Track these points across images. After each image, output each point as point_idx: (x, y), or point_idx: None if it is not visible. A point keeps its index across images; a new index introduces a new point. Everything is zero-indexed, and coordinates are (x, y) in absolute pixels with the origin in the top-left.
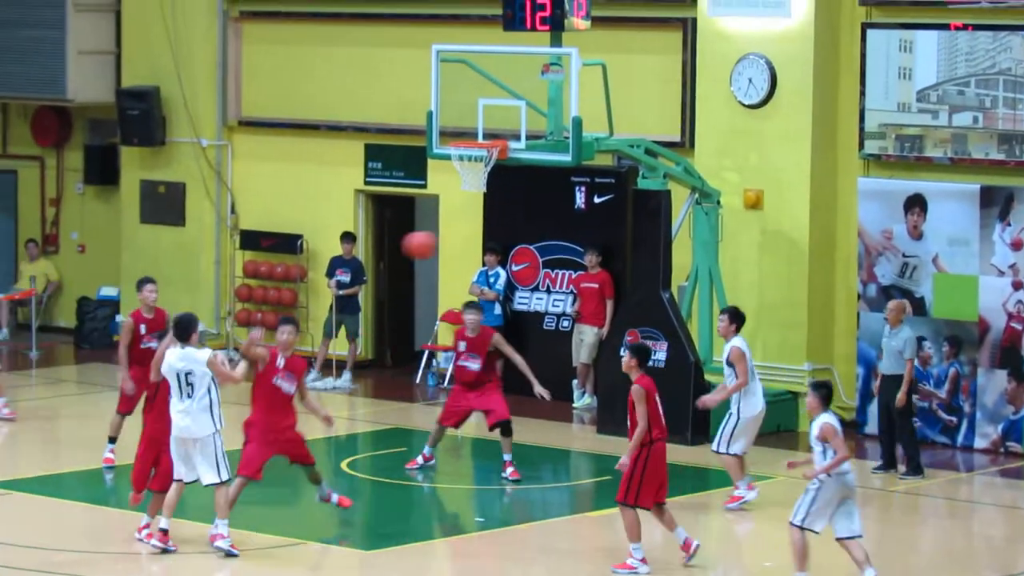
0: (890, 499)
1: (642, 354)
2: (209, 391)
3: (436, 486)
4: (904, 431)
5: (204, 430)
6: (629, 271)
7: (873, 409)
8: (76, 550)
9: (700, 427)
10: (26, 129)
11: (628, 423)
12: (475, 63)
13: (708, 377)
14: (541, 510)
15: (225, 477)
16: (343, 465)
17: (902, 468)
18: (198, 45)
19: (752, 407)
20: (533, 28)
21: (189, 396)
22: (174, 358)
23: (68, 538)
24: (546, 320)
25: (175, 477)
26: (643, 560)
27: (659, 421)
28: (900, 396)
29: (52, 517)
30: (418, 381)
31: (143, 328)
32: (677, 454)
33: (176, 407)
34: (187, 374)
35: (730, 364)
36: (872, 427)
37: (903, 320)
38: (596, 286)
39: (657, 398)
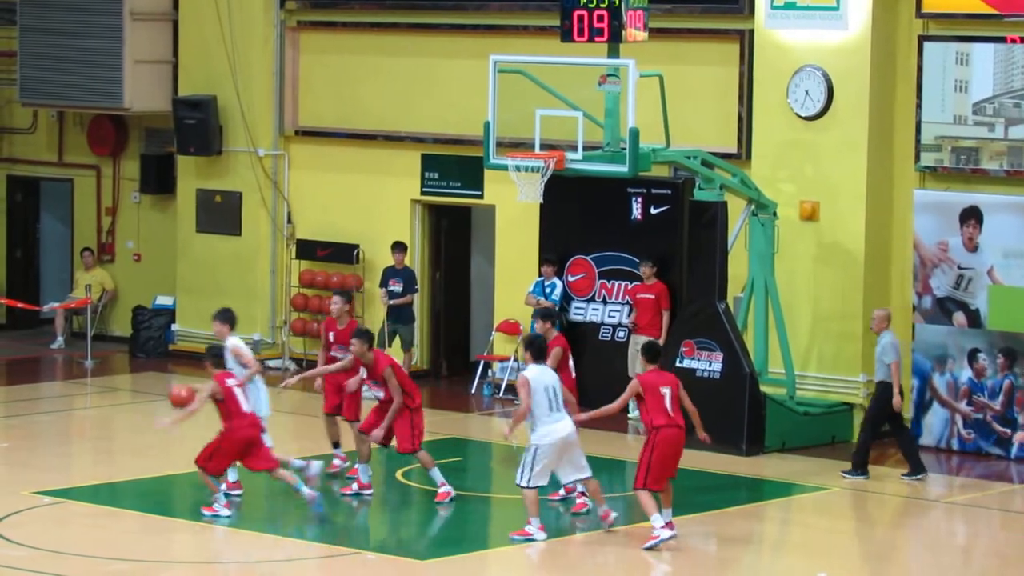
0: (951, 511)
1: (650, 352)
2: None
3: (491, 496)
4: (901, 433)
5: None
6: (685, 282)
7: (928, 420)
8: (129, 559)
9: (755, 438)
10: (82, 138)
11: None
12: (532, 74)
13: (764, 388)
14: (596, 520)
15: None
16: (398, 475)
17: (904, 469)
18: (255, 54)
19: (542, 436)
20: (591, 39)
21: None
22: None
23: (122, 547)
24: (602, 331)
25: None
26: (665, 526)
27: (663, 411)
28: (895, 399)
29: (106, 526)
30: (473, 391)
31: (331, 337)
32: (731, 465)
33: None
34: None
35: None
36: (928, 438)
37: (886, 327)
38: (652, 297)
39: (664, 390)
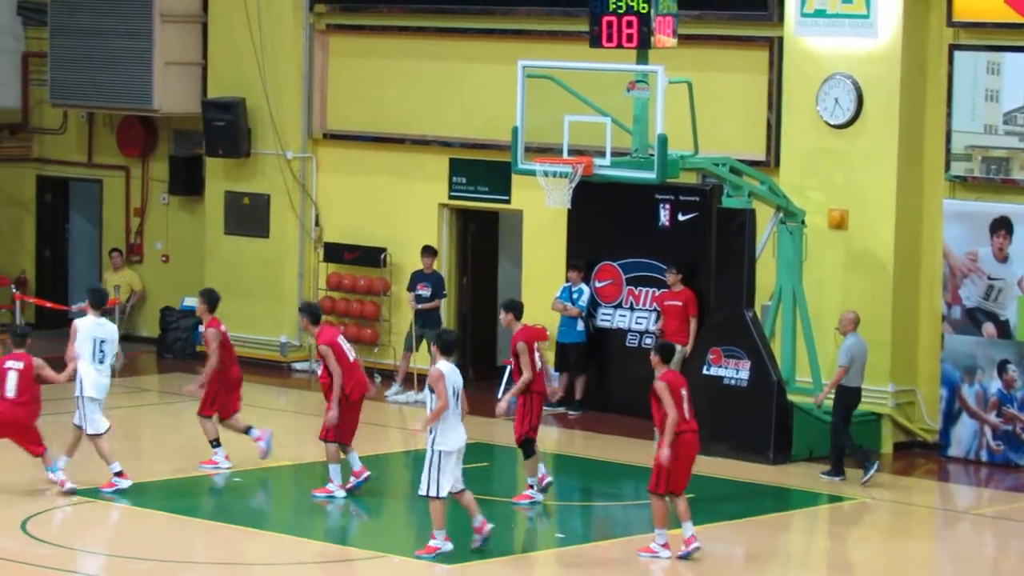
0: (980, 523)
1: (664, 352)
2: None
3: (516, 502)
4: (835, 432)
5: None
6: (712, 289)
7: (957, 431)
8: (154, 559)
9: (782, 447)
10: (112, 139)
11: (653, 417)
12: (561, 79)
13: (791, 397)
14: (622, 527)
15: None
16: None
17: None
18: (284, 57)
19: (445, 441)
20: (619, 45)
21: None
22: None
23: (147, 547)
24: (629, 337)
25: None
26: (665, 545)
27: (683, 414)
28: (819, 395)
29: (132, 526)
30: (499, 396)
31: None
32: (758, 473)
33: None
34: None
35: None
36: (957, 450)
37: (852, 331)
38: (680, 304)
39: (684, 392)
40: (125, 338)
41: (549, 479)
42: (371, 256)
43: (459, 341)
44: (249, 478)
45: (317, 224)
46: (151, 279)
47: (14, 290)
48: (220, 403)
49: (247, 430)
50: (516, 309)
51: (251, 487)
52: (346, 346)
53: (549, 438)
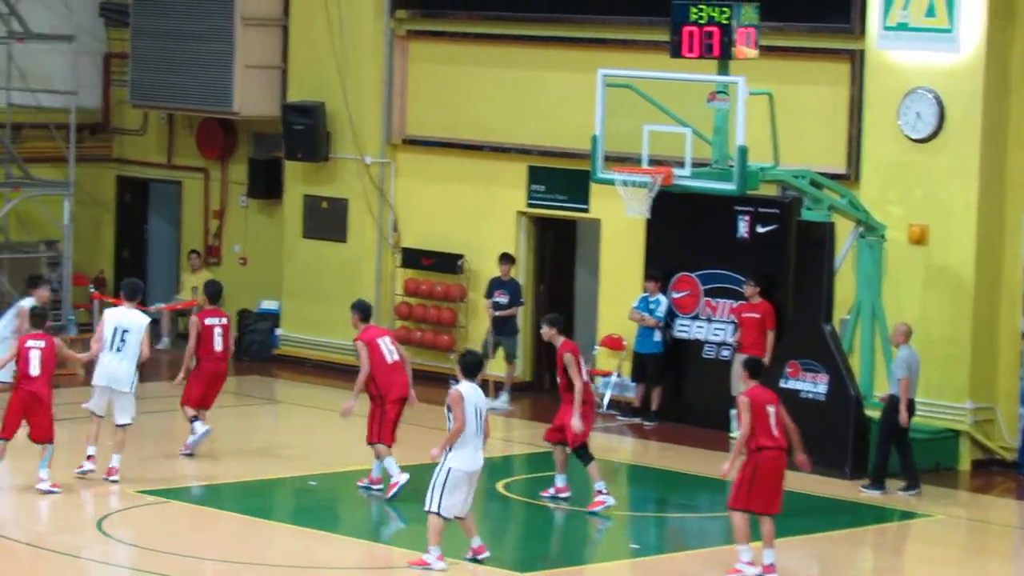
0: None
1: (750, 366)
2: None
3: (591, 510)
4: (904, 448)
5: None
6: (791, 302)
7: None
8: (228, 560)
9: (859, 462)
10: (192, 141)
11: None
12: (641, 89)
13: (869, 412)
14: (697, 539)
15: None
16: (499, 486)
17: (901, 483)
18: (364, 62)
19: (460, 459)
20: (700, 55)
21: None
22: None
23: (221, 548)
24: (706, 349)
25: None
26: (750, 563)
27: (768, 431)
28: (902, 416)
29: (206, 527)
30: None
31: None
32: (834, 488)
33: None
34: None
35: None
36: None
37: (904, 343)
38: (757, 316)
39: (769, 408)
40: None
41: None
42: (448, 262)
43: (482, 363)
44: (324, 482)
45: (395, 229)
46: (229, 281)
47: (92, 290)
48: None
49: (192, 419)
50: (560, 323)
51: (326, 491)
52: (388, 348)
53: (624, 448)
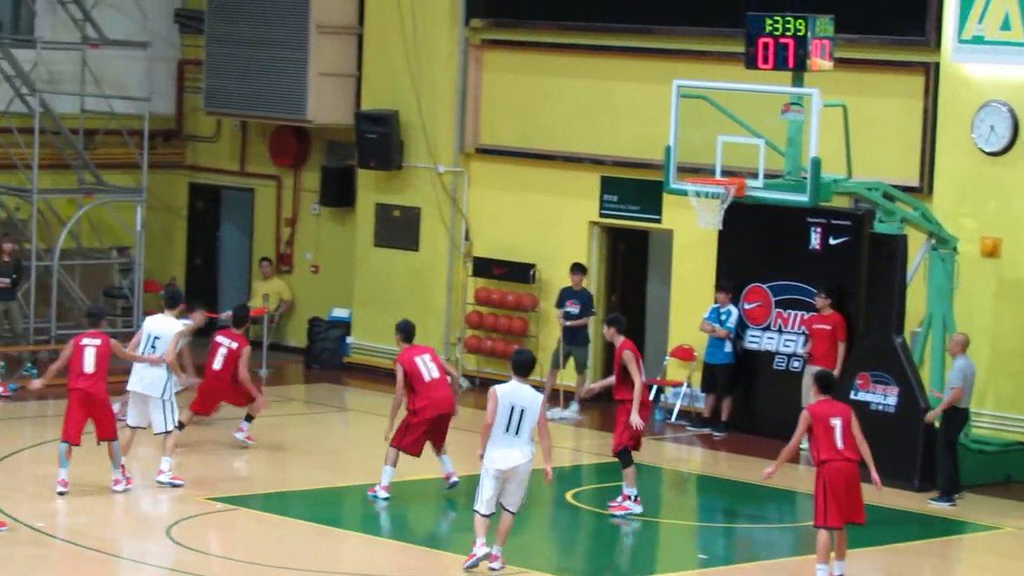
0: None
1: (819, 380)
2: None
3: (660, 521)
4: (944, 455)
5: None
6: (862, 314)
7: None
8: (295, 568)
9: (927, 474)
10: (264, 148)
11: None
12: (715, 100)
13: (938, 424)
14: (766, 550)
15: None
16: (568, 496)
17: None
18: (438, 71)
19: (489, 460)
20: (775, 67)
21: None
22: None
23: (289, 556)
24: (776, 360)
25: None
26: None
27: (831, 445)
28: (931, 413)
29: (275, 534)
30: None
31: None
32: (903, 500)
33: None
34: None
35: None
36: None
37: (961, 353)
38: (829, 328)
39: (834, 422)
40: (273, 347)
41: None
42: (520, 272)
43: (532, 362)
44: (392, 490)
45: (467, 238)
46: (300, 289)
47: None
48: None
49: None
50: (621, 323)
51: (394, 499)
52: (426, 366)
53: (693, 459)
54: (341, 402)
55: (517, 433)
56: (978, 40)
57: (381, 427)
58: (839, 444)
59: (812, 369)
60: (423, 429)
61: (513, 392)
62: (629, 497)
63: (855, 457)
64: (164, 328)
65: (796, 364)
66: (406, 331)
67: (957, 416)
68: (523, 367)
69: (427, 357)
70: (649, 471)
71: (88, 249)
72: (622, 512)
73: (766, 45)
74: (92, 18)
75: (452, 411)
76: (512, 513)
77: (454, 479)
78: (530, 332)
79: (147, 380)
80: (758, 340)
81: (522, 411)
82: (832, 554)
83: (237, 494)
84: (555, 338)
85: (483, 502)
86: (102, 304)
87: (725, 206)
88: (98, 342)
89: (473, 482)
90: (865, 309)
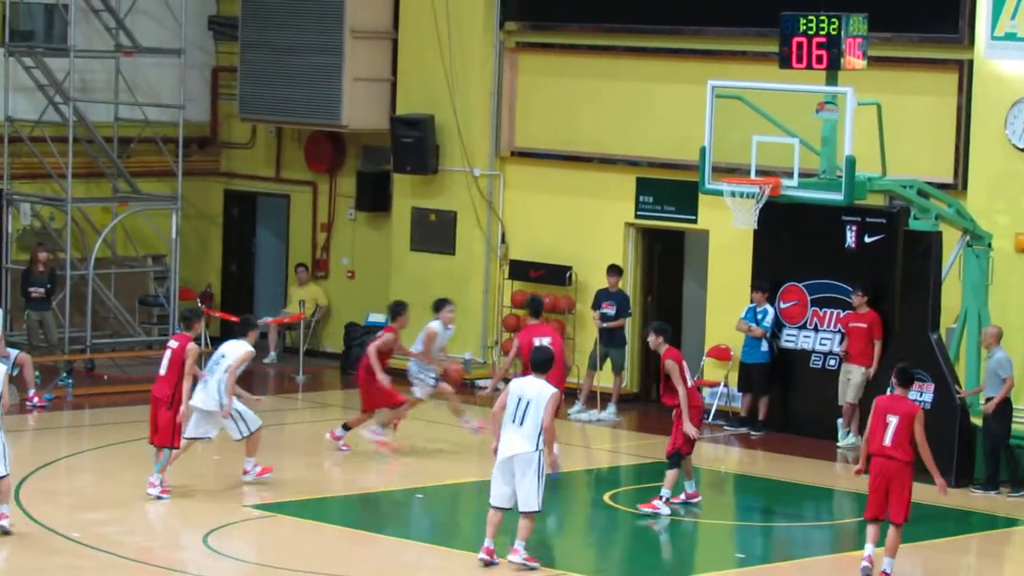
0: None
1: (900, 376)
2: None
3: (697, 521)
4: (996, 446)
5: None
6: (898, 312)
7: None
8: (333, 573)
9: (964, 470)
10: (300, 154)
11: None
12: (750, 99)
13: (974, 420)
14: (803, 548)
15: None
16: (605, 497)
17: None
18: (474, 75)
19: (499, 448)
20: (809, 66)
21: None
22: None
23: (327, 562)
24: (813, 358)
25: None
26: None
27: (879, 439)
28: (989, 404)
29: (313, 540)
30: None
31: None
32: (940, 496)
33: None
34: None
35: None
36: None
37: (997, 344)
38: (865, 326)
39: (891, 419)
40: (310, 353)
41: (698, 496)
42: (556, 274)
43: (549, 361)
44: (431, 495)
45: (503, 241)
46: (336, 294)
47: (200, 304)
48: None
49: None
50: (666, 331)
51: (434, 503)
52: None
53: (731, 458)
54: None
55: (521, 424)
56: (1011, 37)
57: (418, 431)
58: (887, 441)
59: (848, 367)
60: None
61: (522, 385)
62: (661, 498)
63: (902, 457)
64: (225, 349)
65: (832, 362)
66: (533, 306)
67: (1010, 410)
68: (538, 365)
69: (547, 341)
70: (704, 475)
71: (123, 258)
72: (650, 510)
73: (800, 44)
74: (125, 26)
75: None
76: (527, 513)
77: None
78: (567, 334)
79: (211, 396)
80: (794, 339)
81: (528, 403)
82: (878, 547)
83: (274, 501)
84: (592, 340)
85: (493, 493)
86: (195, 307)
87: (760, 205)
88: (175, 345)
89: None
90: (900, 306)
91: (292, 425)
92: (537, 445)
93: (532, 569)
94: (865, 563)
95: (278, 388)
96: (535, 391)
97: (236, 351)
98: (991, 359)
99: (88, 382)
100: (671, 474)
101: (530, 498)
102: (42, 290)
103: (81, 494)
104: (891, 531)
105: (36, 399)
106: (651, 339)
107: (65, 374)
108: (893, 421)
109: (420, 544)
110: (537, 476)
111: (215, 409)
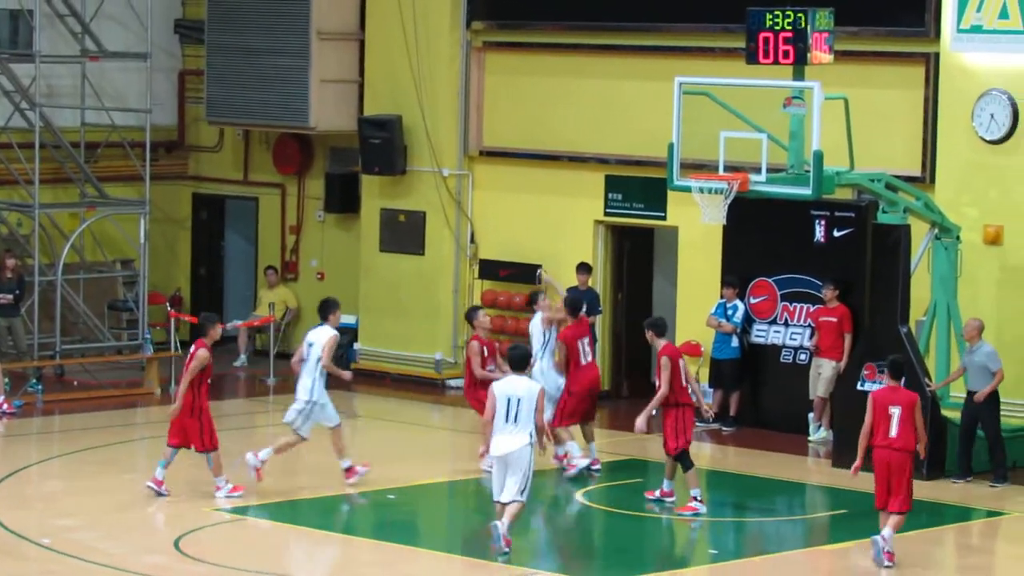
0: None
1: (891, 368)
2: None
3: (671, 517)
4: (996, 438)
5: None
6: (867, 305)
7: None
8: None
9: (935, 462)
10: (268, 156)
11: None
12: (717, 96)
13: (945, 412)
14: (775, 543)
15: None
16: (578, 495)
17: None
18: (441, 75)
19: (492, 447)
20: (776, 61)
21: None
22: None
23: (298, 565)
24: (783, 353)
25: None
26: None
27: (883, 431)
28: (980, 393)
29: (284, 544)
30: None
31: (485, 351)
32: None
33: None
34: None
35: None
36: None
37: (980, 337)
38: (835, 320)
39: (893, 410)
40: (280, 356)
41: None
42: (526, 273)
43: (527, 356)
44: (403, 495)
45: (472, 241)
46: (306, 296)
47: (169, 308)
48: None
49: None
50: (657, 327)
51: (405, 504)
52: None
53: (702, 454)
54: (349, 408)
55: (516, 422)
56: (977, 29)
57: (389, 432)
58: (892, 432)
59: (819, 361)
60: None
61: (509, 385)
62: (695, 498)
63: (906, 447)
64: (319, 335)
65: (803, 357)
66: (573, 305)
67: (998, 398)
68: (517, 362)
69: (585, 340)
70: (658, 467)
71: (92, 263)
72: (689, 512)
73: (767, 40)
74: (91, 31)
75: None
76: (514, 503)
77: (596, 466)
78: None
79: (297, 388)
80: (764, 334)
81: (519, 401)
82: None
83: (244, 504)
84: None
85: (495, 489)
86: (209, 313)
87: (728, 201)
88: (192, 350)
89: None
90: (870, 300)
91: (263, 428)
92: (530, 438)
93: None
94: (878, 540)
95: (248, 391)
96: (524, 388)
97: (322, 337)
98: (977, 352)
99: (58, 388)
100: (691, 474)
101: (516, 488)
102: (10, 296)
103: (52, 500)
104: (894, 517)
105: (5, 406)
106: (648, 335)
107: (35, 380)
108: (896, 412)
109: (392, 545)
110: (529, 469)
111: (316, 399)
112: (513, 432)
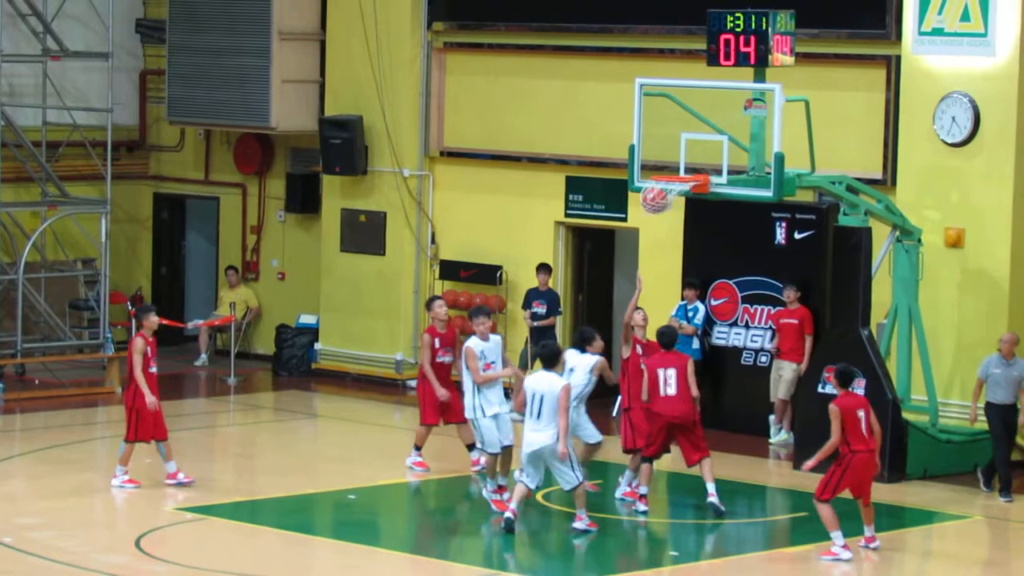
0: None
1: (840, 376)
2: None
3: (632, 519)
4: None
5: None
6: (829, 308)
7: None
8: None
9: (896, 465)
10: (229, 156)
11: None
12: (678, 97)
13: (906, 415)
14: (735, 545)
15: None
16: (538, 497)
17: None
18: (402, 75)
19: (523, 444)
20: (737, 63)
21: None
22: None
23: (261, 565)
24: (744, 355)
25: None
26: (844, 547)
27: (860, 436)
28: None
29: (246, 543)
30: (614, 415)
31: (437, 343)
32: (873, 491)
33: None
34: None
35: None
36: None
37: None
38: (796, 322)
39: (860, 413)
40: (241, 355)
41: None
42: (487, 274)
43: (557, 353)
44: (364, 495)
45: (433, 242)
46: (267, 296)
47: (130, 307)
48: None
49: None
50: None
51: (366, 504)
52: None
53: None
54: (310, 408)
55: (539, 418)
56: (938, 32)
57: (350, 432)
58: (865, 434)
59: (780, 364)
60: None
61: (535, 381)
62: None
63: (875, 446)
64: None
65: (764, 359)
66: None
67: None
68: (547, 359)
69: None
70: (619, 469)
71: (53, 262)
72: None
73: (727, 41)
74: (52, 30)
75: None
76: (577, 487)
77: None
78: (498, 333)
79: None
80: (725, 336)
81: (541, 397)
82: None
83: (206, 503)
84: (523, 339)
85: (530, 480)
86: (145, 304)
87: (673, 196)
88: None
89: (445, 484)
90: (831, 302)
91: (224, 428)
92: (556, 435)
93: (588, 533)
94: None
95: (209, 391)
96: (546, 385)
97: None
98: (1016, 367)
99: (19, 387)
100: (645, 468)
101: (569, 478)
102: None
103: (12, 499)
104: (867, 510)
105: None
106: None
107: None
108: (862, 415)
109: (354, 545)
110: (569, 459)
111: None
112: (537, 428)
